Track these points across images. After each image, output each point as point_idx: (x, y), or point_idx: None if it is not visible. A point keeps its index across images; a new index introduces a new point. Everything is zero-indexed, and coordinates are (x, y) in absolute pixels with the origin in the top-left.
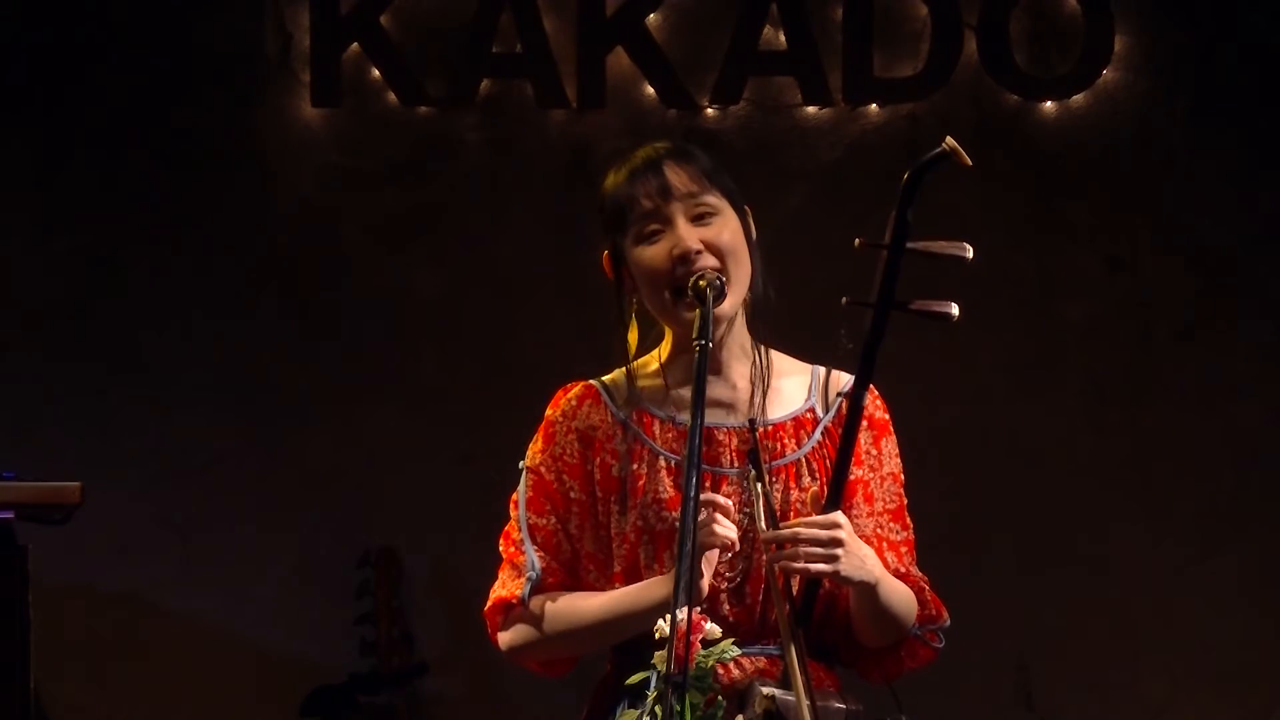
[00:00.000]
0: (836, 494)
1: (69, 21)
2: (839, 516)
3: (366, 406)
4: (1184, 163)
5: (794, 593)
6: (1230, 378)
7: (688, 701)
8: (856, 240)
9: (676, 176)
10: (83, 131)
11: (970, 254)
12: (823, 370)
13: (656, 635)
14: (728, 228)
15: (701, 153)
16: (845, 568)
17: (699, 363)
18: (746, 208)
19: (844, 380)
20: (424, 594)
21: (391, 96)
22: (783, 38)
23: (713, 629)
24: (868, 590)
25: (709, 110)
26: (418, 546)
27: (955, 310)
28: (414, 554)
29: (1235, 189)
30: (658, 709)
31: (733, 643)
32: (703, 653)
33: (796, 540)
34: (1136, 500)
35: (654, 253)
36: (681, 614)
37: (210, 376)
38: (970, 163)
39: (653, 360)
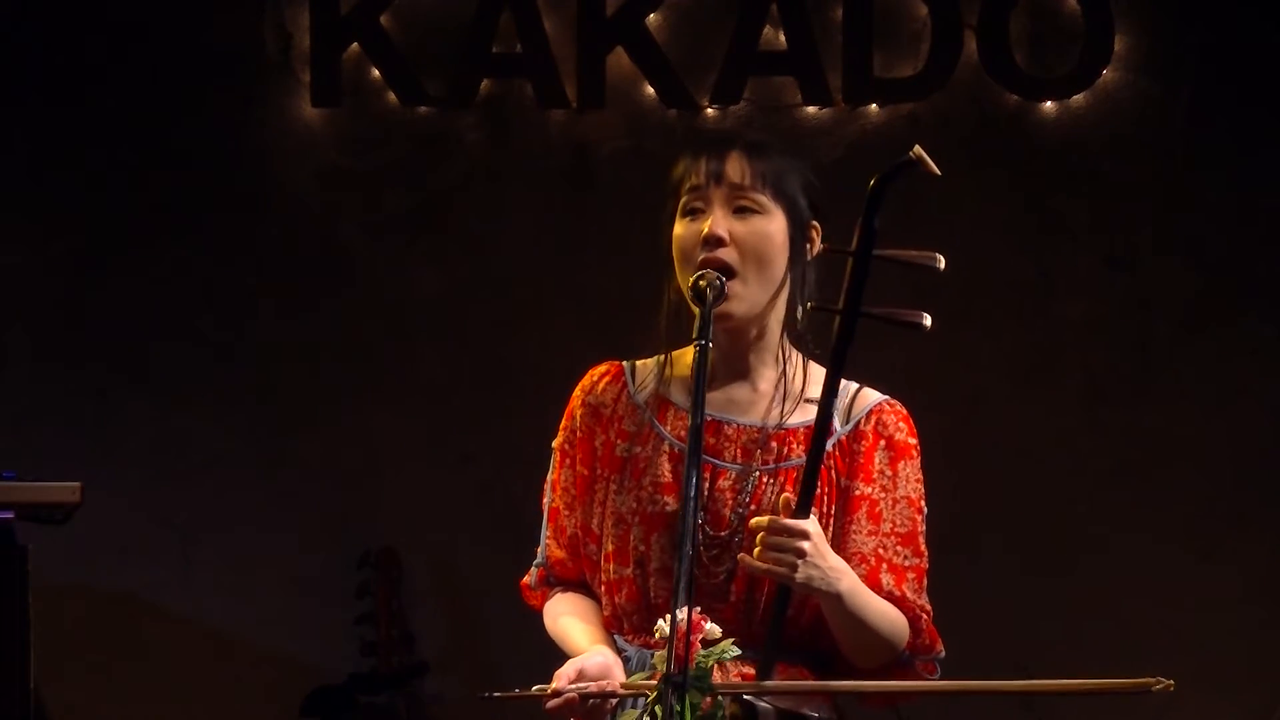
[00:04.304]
0: (806, 501)
1: (69, 22)
2: (808, 525)
3: (366, 406)
4: (1184, 163)
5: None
6: (1230, 377)
7: (688, 701)
8: (821, 244)
9: (735, 166)
10: (83, 131)
11: (942, 264)
12: (854, 386)
13: (656, 635)
14: (762, 229)
15: (780, 156)
16: (802, 575)
17: (698, 363)
18: (814, 223)
19: (870, 399)
20: (424, 594)
21: (391, 96)
22: (783, 38)
23: (713, 629)
24: (831, 601)
25: (709, 110)
26: (418, 546)
27: (928, 320)
28: (414, 554)
29: (1235, 189)
30: (658, 709)
31: (733, 643)
32: (703, 653)
33: (766, 541)
34: (1136, 500)
35: (689, 231)
36: (681, 614)
37: (210, 376)
38: (939, 172)
39: (688, 352)
